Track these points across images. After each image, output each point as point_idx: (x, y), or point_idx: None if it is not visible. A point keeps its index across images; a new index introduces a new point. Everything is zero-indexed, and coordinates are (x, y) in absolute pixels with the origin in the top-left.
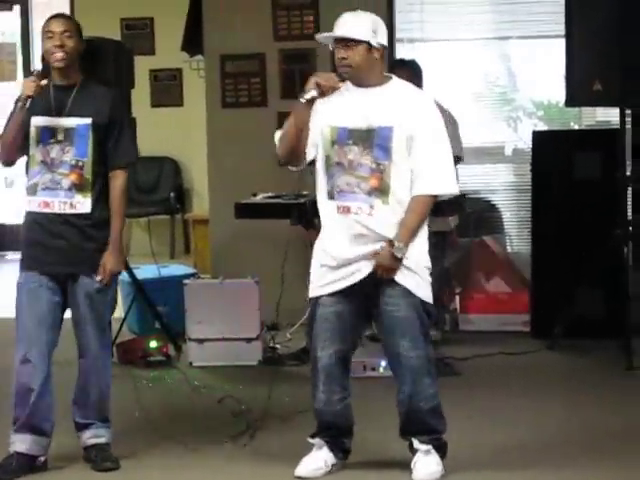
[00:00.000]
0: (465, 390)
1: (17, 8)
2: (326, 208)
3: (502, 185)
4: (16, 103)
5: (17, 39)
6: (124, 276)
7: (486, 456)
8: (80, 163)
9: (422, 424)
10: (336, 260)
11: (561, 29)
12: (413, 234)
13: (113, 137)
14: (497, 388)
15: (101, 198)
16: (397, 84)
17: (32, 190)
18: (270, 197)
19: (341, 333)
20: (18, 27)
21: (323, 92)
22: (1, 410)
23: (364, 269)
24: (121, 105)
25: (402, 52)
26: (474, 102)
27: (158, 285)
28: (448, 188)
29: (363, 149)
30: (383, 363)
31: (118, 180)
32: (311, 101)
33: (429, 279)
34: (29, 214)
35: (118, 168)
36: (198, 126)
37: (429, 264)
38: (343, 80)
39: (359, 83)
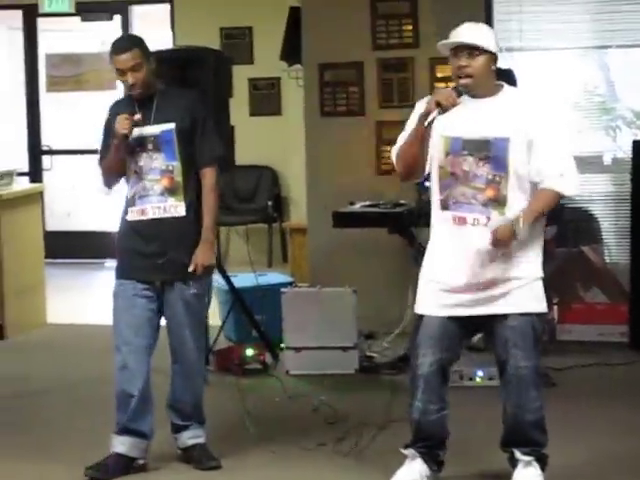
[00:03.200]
0: (561, 401)
1: (118, 18)
2: (440, 219)
3: (601, 195)
4: (111, 139)
5: None
6: (222, 284)
7: (581, 469)
8: (170, 167)
9: (525, 436)
10: (448, 285)
11: None
12: (536, 218)
13: (197, 136)
14: (594, 399)
15: (195, 201)
16: (510, 92)
17: (131, 201)
18: (368, 206)
19: (444, 342)
20: None
21: (444, 110)
22: (101, 414)
23: (479, 309)
24: (202, 104)
25: (501, 61)
26: (573, 111)
27: (256, 293)
28: (573, 189)
29: (478, 160)
30: (480, 373)
31: (207, 178)
32: (432, 121)
33: (542, 290)
34: (126, 223)
35: (206, 166)
36: (296, 135)
37: (542, 274)
38: (460, 95)
39: (474, 93)
